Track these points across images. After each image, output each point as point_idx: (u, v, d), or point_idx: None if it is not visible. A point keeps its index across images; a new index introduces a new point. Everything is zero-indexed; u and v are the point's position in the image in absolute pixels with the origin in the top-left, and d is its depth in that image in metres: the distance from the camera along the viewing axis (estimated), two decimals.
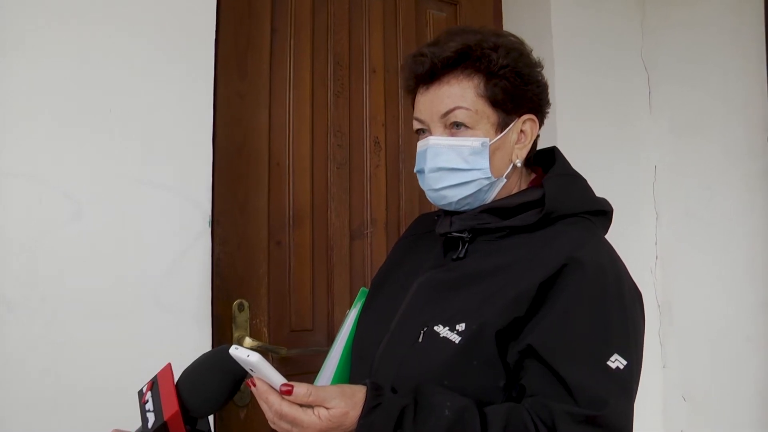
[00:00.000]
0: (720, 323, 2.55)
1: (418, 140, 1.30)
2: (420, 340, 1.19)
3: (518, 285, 1.15)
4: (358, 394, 1.07)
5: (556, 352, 1.10)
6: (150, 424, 1.10)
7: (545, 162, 1.35)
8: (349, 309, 1.44)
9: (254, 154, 2.01)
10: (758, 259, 2.45)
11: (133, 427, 1.12)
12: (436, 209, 1.39)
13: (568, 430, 1.05)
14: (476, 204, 1.27)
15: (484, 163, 1.24)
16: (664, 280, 2.74)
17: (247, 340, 1.90)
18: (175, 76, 1.76)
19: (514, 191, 1.30)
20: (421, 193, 1.31)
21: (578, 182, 1.32)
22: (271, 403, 1.04)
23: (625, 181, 2.68)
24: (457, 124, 1.23)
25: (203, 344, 1.74)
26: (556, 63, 2.48)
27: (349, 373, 1.36)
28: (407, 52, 2.18)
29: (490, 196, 1.28)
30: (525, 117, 1.27)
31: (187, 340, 1.72)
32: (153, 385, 1.14)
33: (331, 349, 1.40)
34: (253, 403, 1.92)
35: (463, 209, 1.28)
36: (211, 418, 1.29)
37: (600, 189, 1.34)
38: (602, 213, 1.31)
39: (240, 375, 1.14)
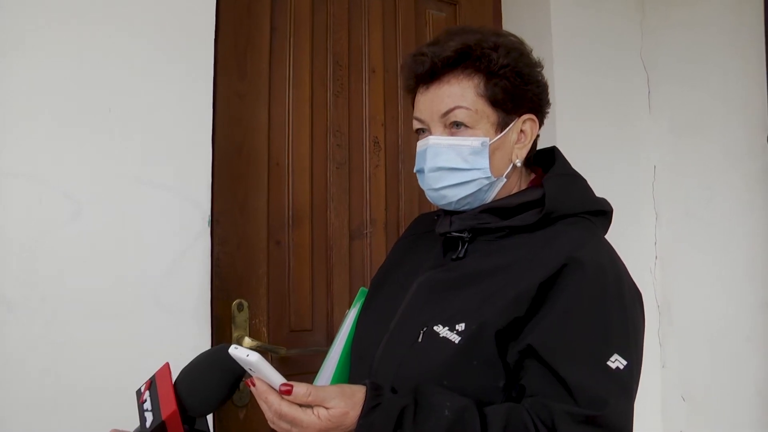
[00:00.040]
0: (719, 323, 2.55)
1: (417, 140, 1.30)
2: (419, 340, 1.19)
3: (518, 285, 1.15)
4: (357, 394, 1.07)
5: (556, 352, 1.10)
6: (148, 424, 1.10)
7: (545, 162, 1.35)
8: (349, 309, 1.44)
9: (254, 153, 2.01)
10: (758, 259, 2.45)
11: (133, 426, 1.12)
12: (435, 209, 1.39)
13: (568, 430, 1.05)
14: (476, 204, 1.27)
15: (484, 162, 1.24)
16: (664, 280, 2.74)
17: (247, 340, 1.90)
18: (175, 76, 1.76)
19: (514, 191, 1.30)
20: (421, 193, 1.31)
21: (578, 182, 1.32)
22: (271, 403, 1.04)
23: (625, 181, 2.68)
24: (457, 124, 1.23)
25: (203, 344, 1.74)
26: (555, 63, 2.48)
27: (349, 373, 1.36)
28: (407, 52, 2.18)
29: (490, 196, 1.28)
30: (525, 117, 1.27)
31: (186, 340, 1.72)
32: (151, 384, 1.14)
33: (331, 349, 1.40)
34: (252, 403, 1.92)
35: (462, 209, 1.28)
36: (210, 418, 1.29)
37: (599, 189, 1.34)
38: (602, 213, 1.31)
39: (238, 374, 1.14)
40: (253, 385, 1.06)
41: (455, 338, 1.15)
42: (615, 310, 1.14)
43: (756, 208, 2.46)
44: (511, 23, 2.64)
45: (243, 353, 1.03)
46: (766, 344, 2.42)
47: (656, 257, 2.76)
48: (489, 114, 1.24)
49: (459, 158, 1.23)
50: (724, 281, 2.54)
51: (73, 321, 1.59)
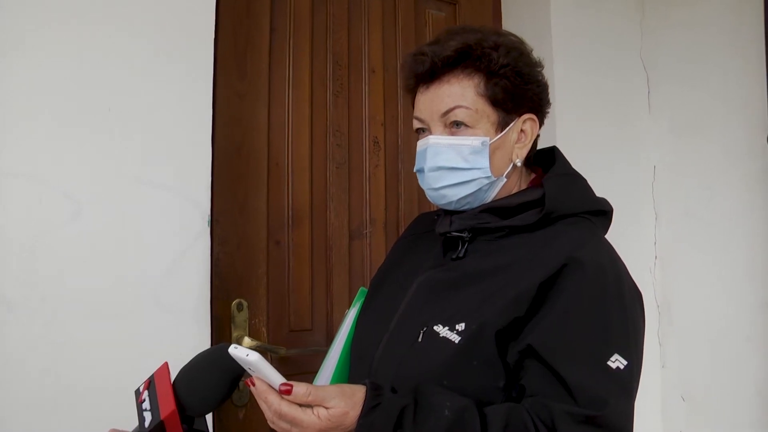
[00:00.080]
0: (719, 323, 2.55)
1: (417, 139, 1.30)
2: (419, 340, 1.19)
3: (518, 285, 1.15)
4: (357, 393, 1.07)
5: (556, 352, 1.10)
6: (147, 424, 1.09)
7: (545, 162, 1.35)
8: (348, 309, 1.44)
9: (253, 153, 2.01)
10: (758, 259, 2.45)
11: (132, 426, 1.12)
12: (435, 209, 1.39)
13: (569, 430, 1.05)
14: (476, 203, 1.27)
15: (484, 162, 1.24)
16: (664, 280, 2.74)
17: (246, 340, 1.90)
18: (175, 76, 1.77)
19: (514, 191, 1.30)
20: (420, 192, 1.32)
21: (578, 182, 1.32)
22: (271, 403, 1.04)
23: (625, 181, 2.68)
24: (457, 123, 1.23)
25: (202, 344, 1.74)
26: (555, 63, 2.48)
27: (348, 373, 1.36)
28: (406, 51, 2.19)
29: (490, 196, 1.28)
30: (525, 116, 1.27)
31: (186, 340, 1.72)
32: (150, 384, 1.14)
33: (330, 349, 1.40)
34: (252, 403, 1.92)
35: (462, 208, 1.28)
36: (209, 417, 1.29)
37: (599, 189, 1.34)
38: (602, 213, 1.31)
39: (237, 374, 1.14)
40: (253, 384, 1.06)
41: (455, 338, 1.15)
42: (615, 310, 1.14)
43: (756, 208, 2.46)
44: (511, 23, 2.64)
45: (243, 353, 1.02)
46: (766, 344, 2.42)
47: (656, 257, 2.76)
48: (489, 113, 1.24)
49: (459, 158, 1.23)
50: (724, 281, 2.54)
51: (73, 321, 1.59)
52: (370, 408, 1.05)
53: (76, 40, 1.64)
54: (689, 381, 2.65)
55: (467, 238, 1.27)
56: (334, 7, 2.23)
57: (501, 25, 2.66)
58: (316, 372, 1.39)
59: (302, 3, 2.16)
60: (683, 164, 2.69)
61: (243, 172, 1.98)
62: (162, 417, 1.08)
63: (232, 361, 1.07)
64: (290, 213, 2.08)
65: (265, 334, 1.99)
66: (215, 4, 1.85)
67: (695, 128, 2.66)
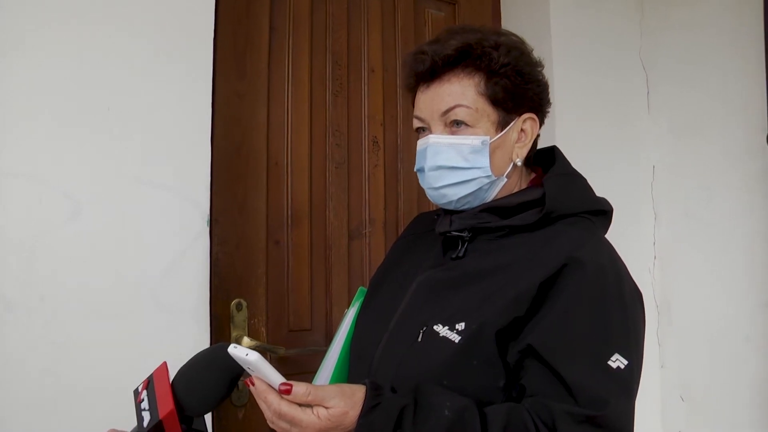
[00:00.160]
0: (719, 323, 2.55)
1: (417, 139, 1.30)
2: (419, 339, 1.19)
3: (518, 284, 1.15)
4: (357, 393, 1.07)
5: (556, 352, 1.10)
6: (145, 424, 1.10)
7: (545, 161, 1.35)
8: (348, 308, 1.44)
9: (253, 153, 2.01)
10: (757, 259, 2.45)
11: (131, 426, 1.12)
12: (434, 209, 1.38)
13: (569, 430, 1.05)
14: (476, 203, 1.27)
15: (485, 161, 1.24)
16: (663, 281, 2.74)
17: (246, 340, 1.90)
18: (175, 76, 1.77)
19: (515, 190, 1.30)
20: (420, 192, 1.32)
21: (578, 182, 1.33)
22: (270, 403, 1.04)
23: (624, 181, 2.68)
24: (458, 123, 1.23)
25: (202, 344, 1.74)
26: (554, 63, 2.48)
27: (348, 373, 1.36)
28: (406, 51, 2.19)
29: (491, 195, 1.28)
30: (525, 116, 1.28)
31: (185, 340, 1.72)
32: (148, 383, 1.14)
33: (329, 349, 1.40)
34: (251, 403, 1.92)
35: (463, 208, 1.28)
36: (209, 417, 1.29)
37: (599, 189, 1.34)
38: (602, 213, 1.31)
39: (236, 374, 1.14)
40: (252, 384, 1.06)
41: (455, 338, 1.15)
42: (615, 310, 1.14)
43: (755, 208, 2.46)
44: (511, 23, 2.64)
45: (242, 352, 1.02)
46: (766, 344, 2.42)
47: (655, 257, 2.76)
48: (489, 113, 1.24)
49: (459, 157, 1.23)
50: (724, 281, 2.54)
51: (72, 321, 1.59)
52: (369, 408, 1.05)
53: (76, 40, 1.64)
54: (688, 381, 2.65)
55: (467, 238, 1.27)
56: (333, 6, 2.23)
57: (500, 25, 2.66)
58: (316, 372, 1.39)
59: (301, 3, 2.16)
60: (682, 164, 2.69)
61: (242, 172, 1.98)
62: (160, 417, 1.08)
63: (231, 361, 1.07)
64: (289, 213, 2.08)
65: (264, 334, 1.99)
66: (215, 4, 1.85)
67: (695, 129, 2.66)
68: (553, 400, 1.08)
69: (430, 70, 1.25)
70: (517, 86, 1.24)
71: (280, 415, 1.04)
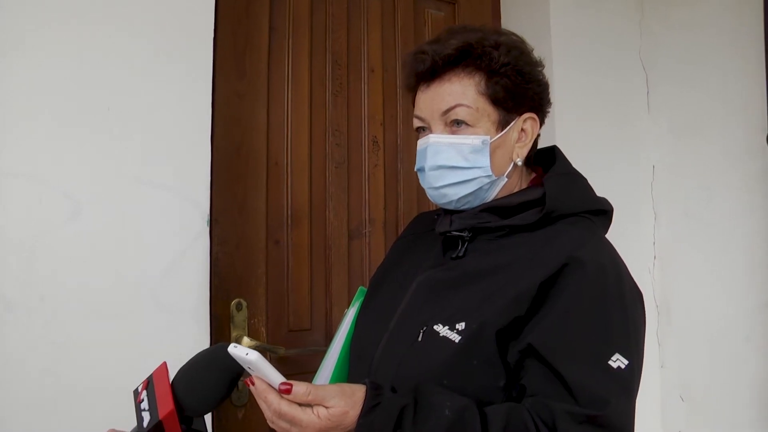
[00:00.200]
0: (719, 323, 2.55)
1: (418, 138, 1.30)
2: (419, 339, 1.19)
3: (518, 284, 1.15)
4: (357, 393, 1.07)
5: (556, 352, 1.10)
6: (145, 424, 1.10)
7: (545, 161, 1.35)
8: (347, 308, 1.44)
9: (253, 153, 2.01)
10: (757, 259, 2.45)
11: (131, 427, 1.12)
12: (434, 208, 1.38)
13: (569, 430, 1.05)
14: (477, 202, 1.27)
15: (485, 161, 1.24)
16: (663, 281, 2.74)
17: (245, 340, 1.90)
18: (174, 76, 1.77)
19: (515, 190, 1.30)
20: (420, 192, 1.32)
21: (579, 181, 1.32)
22: (270, 402, 1.04)
23: (624, 181, 2.68)
24: (458, 122, 1.23)
25: (202, 344, 1.74)
26: (554, 63, 2.48)
27: (347, 373, 1.36)
28: (406, 51, 2.19)
29: (491, 195, 1.28)
30: (526, 115, 1.28)
31: (185, 340, 1.72)
32: (148, 384, 1.14)
33: (329, 349, 1.40)
34: (251, 403, 1.92)
35: (463, 208, 1.28)
36: (208, 417, 1.29)
37: (598, 189, 1.34)
38: (603, 212, 1.31)
39: (236, 374, 1.14)
40: (252, 384, 1.06)
41: (455, 337, 1.15)
42: (616, 310, 1.14)
43: (755, 208, 2.46)
44: (510, 23, 2.64)
45: (242, 352, 1.02)
46: (766, 344, 2.42)
47: (655, 257, 2.76)
48: (490, 112, 1.24)
49: (459, 156, 1.23)
50: (724, 281, 2.54)
51: (72, 321, 1.59)
52: (370, 407, 1.05)
53: (76, 40, 1.64)
54: (688, 381, 2.65)
55: (467, 238, 1.27)
56: (333, 6, 2.23)
57: (500, 24, 2.66)
58: (315, 372, 1.39)
59: (301, 3, 2.16)
60: (682, 164, 2.69)
61: (242, 172, 1.98)
62: (160, 417, 1.08)
63: (231, 361, 1.07)
64: (289, 213, 2.08)
65: (264, 334, 1.99)
66: (215, 4, 1.85)
67: (694, 129, 2.66)
68: (554, 400, 1.07)
69: (430, 70, 1.25)
70: (517, 86, 1.24)
71: (280, 415, 1.04)
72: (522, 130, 1.28)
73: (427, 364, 1.16)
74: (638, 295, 1.21)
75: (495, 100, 1.23)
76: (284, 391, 1.03)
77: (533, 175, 1.34)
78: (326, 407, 1.04)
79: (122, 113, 1.68)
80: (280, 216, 2.06)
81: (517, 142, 1.28)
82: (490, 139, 1.24)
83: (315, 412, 1.04)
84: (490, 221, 1.26)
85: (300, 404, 1.04)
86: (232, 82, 1.98)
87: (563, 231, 1.22)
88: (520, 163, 1.28)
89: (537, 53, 1.31)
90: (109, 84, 1.67)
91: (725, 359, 2.53)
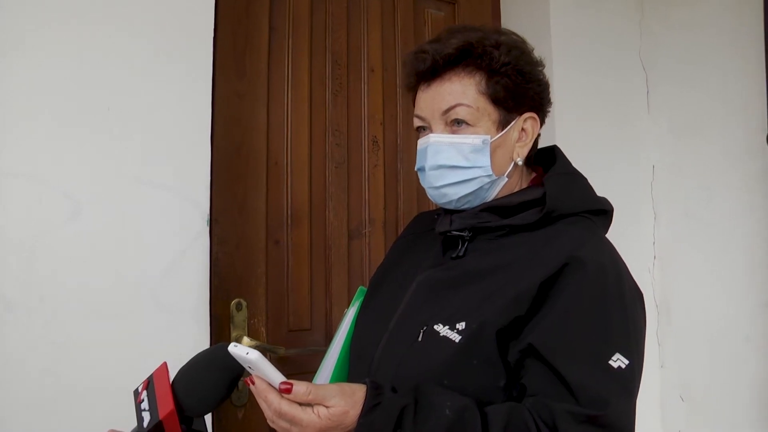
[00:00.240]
0: (719, 323, 2.55)
1: (418, 138, 1.30)
2: (419, 339, 1.18)
3: (519, 284, 1.15)
4: (358, 392, 1.07)
5: (557, 352, 1.10)
6: (145, 424, 1.09)
7: (546, 161, 1.35)
8: (347, 308, 1.44)
9: (253, 153, 2.01)
10: (757, 259, 2.45)
11: (131, 427, 1.12)
12: (434, 208, 1.38)
13: (570, 430, 1.05)
14: (477, 202, 1.27)
15: (485, 160, 1.24)
16: (663, 281, 2.74)
17: (246, 340, 1.90)
18: (174, 76, 1.77)
19: (515, 190, 1.30)
20: (420, 192, 1.32)
21: (579, 181, 1.32)
22: (270, 402, 1.04)
23: (624, 181, 2.68)
24: (458, 122, 1.23)
25: (202, 344, 1.74)
26: (554, 63, 2.48)
27: (347, 373, 1.36)
28: (405, 51, 2.19)
29: (491, 195, 1.28)
30: (526, 115, 1.28)
31: (185, 340, 1.72)
32: (148, 384, 1.14)
33: (329, 349, 1.40)
34: (251, 403, 1.92)
35: (463, 207, 1.28)
36: (208, 417, 1.29)
37: (598, 189, 1.34)
38: (603, 212, 1.31)
39: (236, 374, 1.14)
40: (253, 383, 1.05)
41: (456, 337, 1.14)
42: (616, 310, 1.14)
43: (755, 208, 2.46)
44: (510, 23, 2.64)
45: (243, 351, 1.02)
46: (766, 344, 2.41)
47: (655, 257, 2.76)
48: (490, 112, 1.24)
49: (460, 156, 1.23)
50: (724, 281, 2.54)
51: (72, 321, 1.59)
52: (370, 407, 1.05)
53: (76, 40, 1.64)
54: (688, 381, 2.65)
55: (467, 237, 1.27)
56: (333, 6, 2.23)
57: (500, 24, 2.66)
58: (315, 372, 1.39)
59: (301, 2, 2.16)
60: (682, 164, 2.69)
61: (242, 172, 1.98)
62: (160, 417, 1.08)
63: (231, 361, 1.07)
64: (289, 212, 2.08)
65: (264, 334, 1.99)
66: (215, 4, 1.86)
67: (694, 129, 2.66)
68: (554, 400, 1.07)
69: (431, 69, 1.25)
70: (518, 85, 1.24)
71: (281, 414, 1.04)
72: (522, 129, 1.28)
73: (427, 363, 1.16)
74: (638, 295, 1.21)
75: (495, 100, 1.23)
76: (284, 391, 1.03)
77: (533, 174, 1.34)
78: (327, 407, 1.03)
79: (122, 113, 1.68)
80: (280, 216, 2.06)
81: (517, 141, 1.28)
82: (491, 138, 1.24)
83: (315, 411, 1.03)
84: (490, 221, 1.26)
85: (300, 404, 1.04)
86: (232, 82, 1.98)
87: (563, 231, 1.22)
88: (520, 163, 1.28)
89: (537, 53, 1.31)
90: (109, 84, 1.67)
91: (725, 359, 2.53)
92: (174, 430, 1.10)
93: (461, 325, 1.15)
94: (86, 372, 1.59)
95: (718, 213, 2.57)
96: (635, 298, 1.19)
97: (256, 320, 1.97)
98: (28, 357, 1.54)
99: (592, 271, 1.14)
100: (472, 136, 1.23)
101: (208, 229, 1.80)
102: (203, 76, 1.82)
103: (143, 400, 1.12)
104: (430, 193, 1.29)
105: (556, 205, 1.23)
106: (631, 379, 1.10)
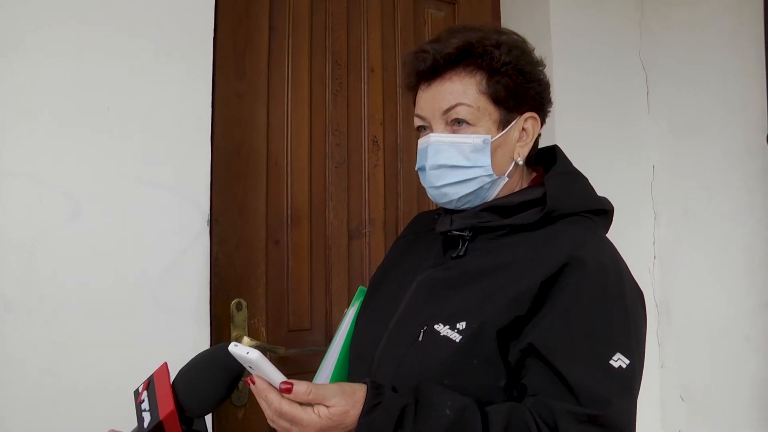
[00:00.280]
0: (718, 323, 2.55)
1: (418, 137, 1.30)
2: (420, 339, 1.18)
3: (519, 284, 1.15)
4: (358, 392, 1.07)
5: (557, 352, 1.10)
6: (146, 424, 1.09)
7: (546, 161, 1.35)
8: (347, 308, 1.44)
9: (253, 153, 2.01)
10: (757, 259, 2.45)
11: (132, 427, 1.12)
12: (435, 208, 1.38)
13: (571, 430, 1.05)
14: (477, 202, 1.27)
15: (486, 160, 1.24)
16: (663, 280, 2.74)
17: (246, 340, 1.90)
18: (174, 76, 1.77)
19: (516, 189, 1.30)
20: (420, 192, 1.32)
21: (579, 181, 1.32)
22: (271, 401, 1.04)
23: (624, 181, 2.68)
24: (459, 121, 1.23)
25: (202, 344, 1.74)
26: (554, 62, 2.48)
27: (347, 373, 1.35)
28: (405, 51, 2.19)
29: (492, 194, 1.28)
30: (527, 115, 1.27)
31: (185, 340, 1.72)
32: (149, 384, 1.14)
33: (329, 349, 1.40)
34: (251, 403, 1.92)
35: (463, 207, 1.28)
36: (209, 418, 1.29)
37: (598, 189, 1.34)
38: (603, 212, 1.31)
39: (237, 374, 1.14)
40: (253, 383, 1.05)
41: (456, 337, 1.14)
42: (616, 309, 1.14)
43: (755, 208, 2.46)
44: (510, 23, 2.64)
45: (243, 350, 1.02)
46: (766, 344, 2.41)
47: (655, 257, 2.76)
48: (491, 111, 1.24)
49: (460, 156, 1.23)
50: (724, 281, 2.54)
51: (72, 321, 1.59)
52: (370, 407, 1.05)
53: (76, 40, 1.64)
54: (688, 381, 2.65)
55: (468, 237, 1.27)
56: (333, 6, 2.23)
57: (500, 24, 2.66)
58: (315, 371, 1.39)
59: (301, 2, 2.16)
60: (682, 164, 2.69)
61: (242, 172, 1.98)
62: (161, 417, 1.08)
63: (232, 361, 1.07)
64: (289, 212, 2.08)
65: (264, 334, 1.99)
66: (215, 4, 1.86)
67: (694, 128, 2.66)
68: (555, 400, 1.07)
69: (431, 69, 1.25)
70: (518, 85, 1.24)
71: (281, 414, 1.04)
72: (523, 129, 1.28)
73: (427, 363, 1.16)
74: (639, 295, 1.21)
75: (496, 100, 1.23)
76: (285, 390, 1.03)
77: (534, 174, 1.34)
78: (327, 406, 1.03)
79: (122, 113, 1.68)
80: (280, 216, 2.06)
81: (518, 141, 1.27)
82: (491, 138, 1.24)
83: (316, 411, 1.03)
84: (490, 220, 1.26)
85: (301, 403, 1.04)
86: (232, 82, 1.98)
87: (564, 230, 1.22)
88: (521, 163, 1.28)
89: (537, 53, 1.31)
90: (109, 84, 1.67)
91: (725, 359, 2.53)
92: (174, 430, 1.09)
93: (461, 325, 1.15)
94: (86, 372, 1.59)
95: (718, 213, 2.57)
96: (636, 297, 1.19)
97: (256, 320, 1.97)
98: (28, 357, 1.54)
99: (593, 271, 1.14)
100: (473, 135, 1.23)
101: (208, 229, 1.80)
102: (203, 76, 1.82)
103: (144, 401, 1.12)
104: (431, 193, 1.29)
105: (557, 205, 1.23)
106: (631, 378, 1.10)
